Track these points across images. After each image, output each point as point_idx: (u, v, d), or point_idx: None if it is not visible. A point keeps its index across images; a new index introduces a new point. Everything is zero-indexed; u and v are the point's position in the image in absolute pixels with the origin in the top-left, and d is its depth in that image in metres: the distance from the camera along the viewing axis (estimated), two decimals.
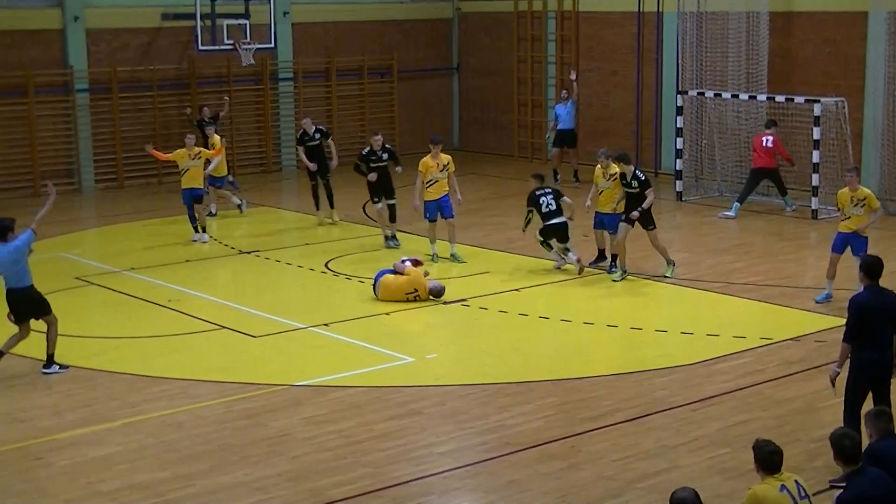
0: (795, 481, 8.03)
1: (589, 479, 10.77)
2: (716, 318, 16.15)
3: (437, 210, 19.19)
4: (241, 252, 20.27)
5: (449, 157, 19.42)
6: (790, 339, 14.91)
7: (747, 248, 20.29)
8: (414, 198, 19.29)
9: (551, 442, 11.68)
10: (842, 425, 8.52)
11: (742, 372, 13.71)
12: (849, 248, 16.12)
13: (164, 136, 27.67)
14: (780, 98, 23.71)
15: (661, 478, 10.72)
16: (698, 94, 25.06)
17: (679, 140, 24.77)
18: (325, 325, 15.80)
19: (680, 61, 25.88)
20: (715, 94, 24.69)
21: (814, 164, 22.40)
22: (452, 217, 19.36)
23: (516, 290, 17.47)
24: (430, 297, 16.83)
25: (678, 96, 24.99)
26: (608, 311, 16.50)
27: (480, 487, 10.78)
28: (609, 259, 18.43)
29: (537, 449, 11.50)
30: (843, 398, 10.81)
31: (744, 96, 24.23)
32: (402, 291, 16.78)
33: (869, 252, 14.86)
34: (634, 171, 17.72)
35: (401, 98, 31.20)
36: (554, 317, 16.11)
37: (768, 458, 8.03)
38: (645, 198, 17.58)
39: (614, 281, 17.79)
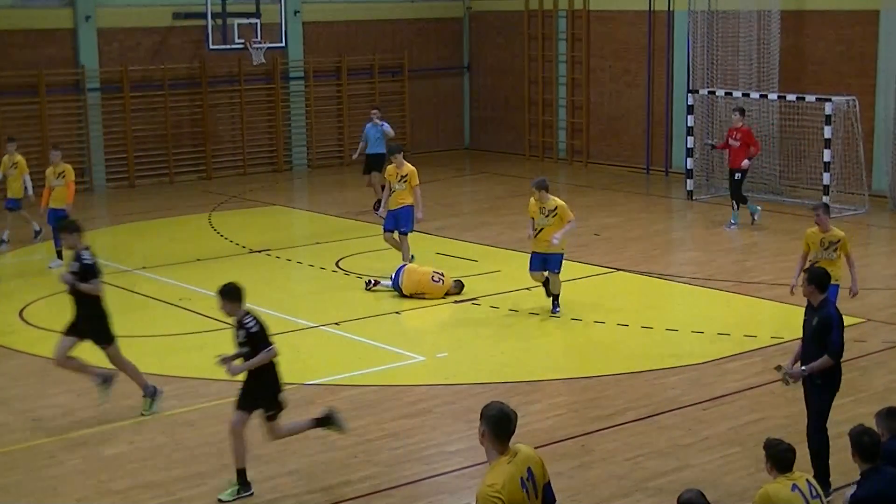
0: (807, 480, 8.01)
1: (600, 478, 10.77)
2: (727, 317, 16.13)
3: (394, 221, 18.25)
4: (251, 251, 20.29)
5: (412, 169, 18.29)
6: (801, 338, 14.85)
7: (758, 247, 20.26)
8: (382, 205, 18.83)
9: (562, 441, 11.68)
10: (860, 424, 8.44)
11: (753, 371, 13.70)
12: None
13: (175, 136, 27.76)
14: (791, 97, 23.69)
15: (672, 477, 10.71)
16: (709, 92, 25.04)
17: (690, 139, 24.75)
18: (336, 323, 15.82)
19: (691, 60, 25.89)
20: (726, 93, 24.66)
21: (825, 162, 22.39)
22: (405, 232, 18.26)
23: (527, 289, 17.45)
24: (452, 289, 17.01)
25: (689, 95, 24.97)
26: (619, 310, 16.48)
27: None
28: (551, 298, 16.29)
29: (548, 448, 11.49)
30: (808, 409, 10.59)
31: (755, 95, 24.20)
32: (429, 274, 16.96)
33: (874, 258, 14.71)
34: (79, 254, 12.11)
35: (412, 97, 31.23)
36: (565, 316, 16.10)
37: (780, 457, 8.01)
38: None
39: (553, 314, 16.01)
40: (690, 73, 25.89)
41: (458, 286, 17.24)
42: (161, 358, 14.53)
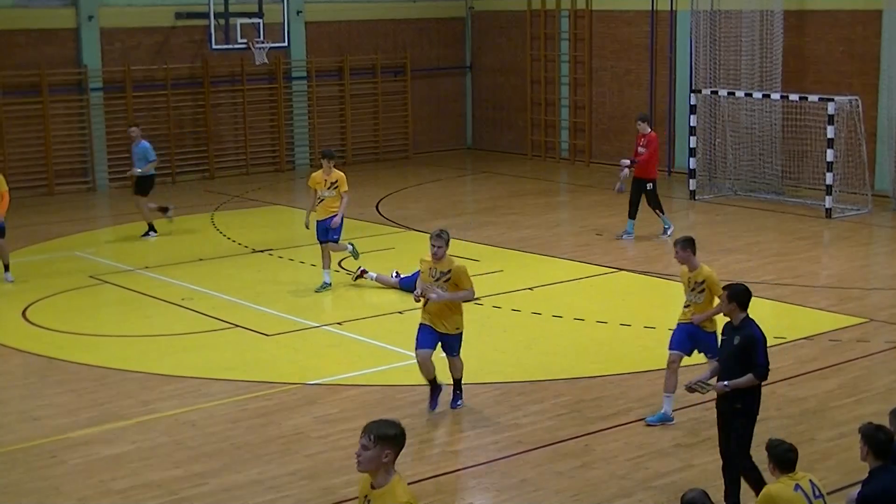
0: (810, 480, 8.01)
1: (602, 478, 10.76)
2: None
3: (325, 232, 17.29)
4: (254, 251, 20.29)
5: (341, 174, 17.31)
6: (803, 339, 14.87)
7: (760, 247, 20.24)
8: (305, 216, 17.91)
9: (564, 441, 11.67)
10: (870, 422, 8.39)
11: None
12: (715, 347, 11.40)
13: (177, 136, 27.75)
14: (793, 97, 23.68)
15: (674, 477, 10.70)
16: (712, 92, 25.02)
17: (692, 139, 24.74)
18: (339, 323, 15.81)
19: (693, 60, 25.88)
20: (728, 93, 24.64)
21: (828, 162, 22.37)
22: (333, 241, 17.39)
23: (530, 288, 17.45)
24: None
25: (692, 95, 24.96)
26: (621, 310, 16.47)
27: (493, 486, 10.77)
28: (447, 387, 12.69)
29: (550, 448, 11.49)
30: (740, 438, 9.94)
31: (757, 95, 24.18)
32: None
33: (877, 258, 14.58)
34: None
35: (414, 97, 31.22)
36: (567, 315, 16.10)
37: (783, 457, 8.00)
38: None
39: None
40: (693, 72, 25.87)
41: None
42: (163, 357, 14.53)
